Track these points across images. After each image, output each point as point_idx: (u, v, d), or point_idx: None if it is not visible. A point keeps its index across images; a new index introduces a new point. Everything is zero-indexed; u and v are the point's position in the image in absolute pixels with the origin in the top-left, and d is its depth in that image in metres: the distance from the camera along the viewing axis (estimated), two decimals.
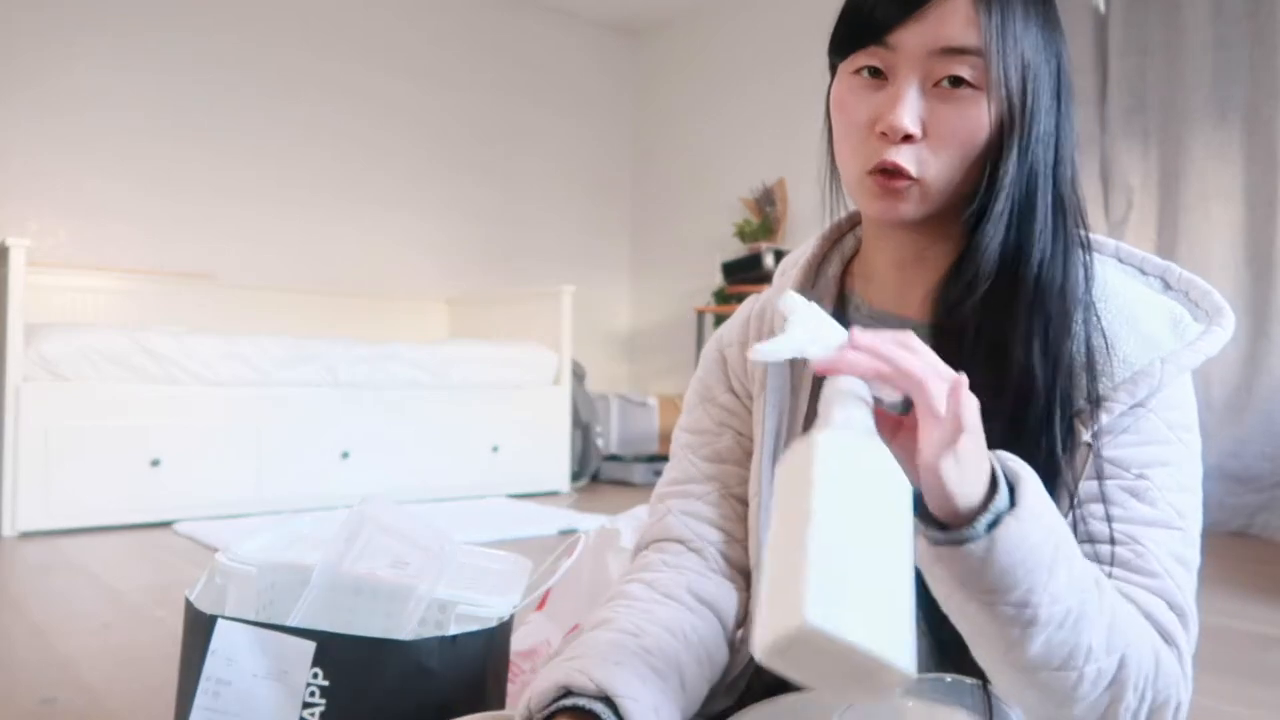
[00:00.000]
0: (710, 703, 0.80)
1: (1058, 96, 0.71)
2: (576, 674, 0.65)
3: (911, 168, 0.70)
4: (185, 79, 4.42)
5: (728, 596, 0.81)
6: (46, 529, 3.17)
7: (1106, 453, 0.70)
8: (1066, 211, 0.72)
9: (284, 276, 4.71)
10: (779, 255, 4.63)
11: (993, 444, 0.66)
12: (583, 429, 4.65)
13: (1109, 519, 0.68)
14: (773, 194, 4.99)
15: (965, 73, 0.68)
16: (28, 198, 4.07)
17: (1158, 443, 0.71)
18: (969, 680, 0.58)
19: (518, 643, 1.20)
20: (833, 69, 0.77)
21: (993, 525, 0.56)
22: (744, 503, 0.85)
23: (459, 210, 5.30)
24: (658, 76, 5.92)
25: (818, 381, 0.80)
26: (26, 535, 3.12)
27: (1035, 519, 0.56)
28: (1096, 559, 0.67)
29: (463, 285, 5.28)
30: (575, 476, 4.58)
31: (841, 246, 0.87)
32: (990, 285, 0.71)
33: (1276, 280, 3.40)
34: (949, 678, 0.61)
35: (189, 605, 0.86)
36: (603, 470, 4.78)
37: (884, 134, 0.69)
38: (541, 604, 1.33)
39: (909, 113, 0.68)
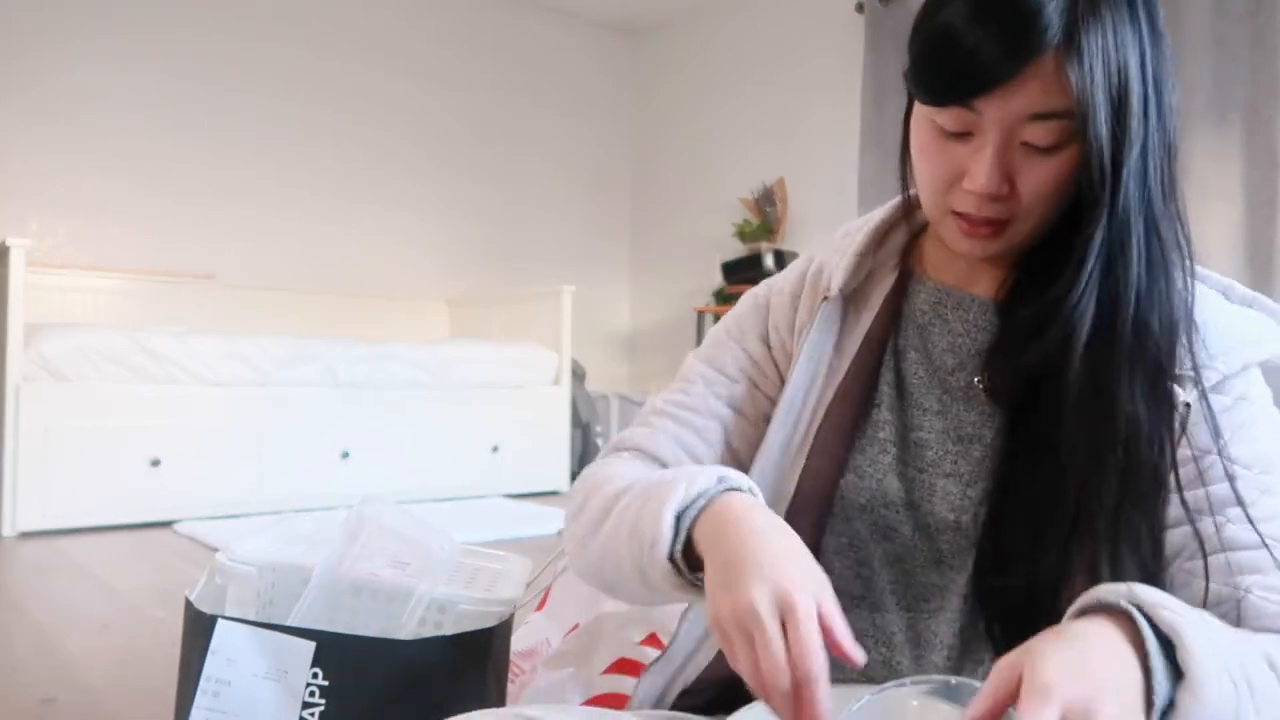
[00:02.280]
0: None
1: (1146, 110, 0.65)
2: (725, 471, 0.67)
3: (1001, 217, 0.69)
4: (185, 79, 4.42)
5: None
6: (46, 529, 3.17)
7: (1228, 450, 0.68)
8: (1161, 234, 0.67)
9: (284, 276, 4.71)
10: (779, 255, 4.63)
11: (1107, 506, 0.65)
12: (583, 429, 4.65)
13: (1250, 520, 0.66)
14: (773, 194, 4.99)
15: (1053, 137, 0.65)
16: (28, 198, 4.07)
17: (1270, 437, 0.70)
18: (975, 683, 0.58)
19: (518, 643, 1.20)
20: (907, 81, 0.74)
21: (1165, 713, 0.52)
22: (738, 459, 0.83)
23: (459, 210, 5.30)
24: (658, 76, 5.92)
25: (864, 346, 0.79)
26: (26, 535, 3.12)
27: (1209, 680, 0.52)
28: (1249, 568, 0.65)
29: (463, 285, 5.28)
30: (575, 476, 4.57)
31: (912, 220, 0.83)
32: (1086, 343, 0.67)
33: (1277, 280, 3.40)
34: (954, 680, 0.61)
35: (189, 605, 0.86)
36: None
37: (970, 191, 0.68)
38: (541, 604, 1.33)
39: (995, 175, 0.66)
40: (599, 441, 4.74)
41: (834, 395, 0.79)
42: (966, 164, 0.68)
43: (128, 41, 4.28)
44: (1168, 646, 0.53)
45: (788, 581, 0.57)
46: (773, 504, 0.76)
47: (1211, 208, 3.53)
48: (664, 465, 0.81)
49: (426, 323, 5.15)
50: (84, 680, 1.71)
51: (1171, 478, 0.67)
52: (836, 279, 0.81)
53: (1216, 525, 0.66)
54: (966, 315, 0.78)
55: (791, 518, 0.76)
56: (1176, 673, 0.53)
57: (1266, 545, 0.64)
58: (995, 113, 0.65)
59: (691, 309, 5.24)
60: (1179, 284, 0.69)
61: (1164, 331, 0.67)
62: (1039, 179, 0.67)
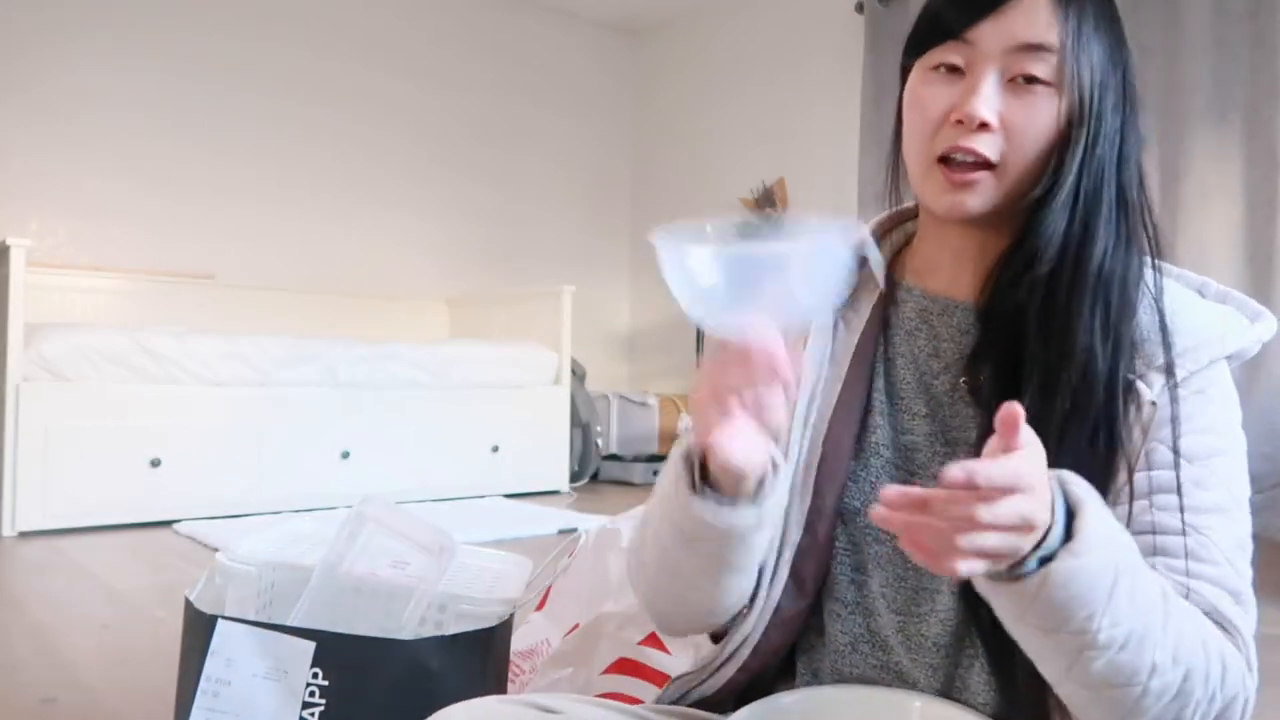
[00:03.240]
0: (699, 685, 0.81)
1: (1123, 103, 0.73)
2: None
3: (986, 151, 0.71)
4: (185, 79, 4.42)
5: None
6: (46, 529, 3.17)
7: (1173, 441, 0.71)
8: (1130, 210, 0.74)
9: (284, 276, 4.71)
10: None
11: (1055, 421, 0.68)
12: (582, 429, 4.65)
13: (1181, 510, 0.69)
14: (773, 194, 4.99)
15: (1041, 70, 0.70)
16: (28, 198, 4.07)
17: (1218, 433, 0.73)
18: None
19: (518, 643, 1.20)
20: (904, 73, 0.79)
21: (1047, 559, 0.56)
22: None
23: (459, 210, 5.30)
24: (658, 76, 5.92)
25: (859, 351, 0.82)
26: (26, 535, 3.12)
27: (1092, 551, 0.57)
28: (1164, 551, 0.69)
29: (463, 285, 5.28)
30: (575, 476, 4.58)
31: (893, 236, 0.87)
32: (1052, 269, 0.72)
33: (1277, 280, 3.40)
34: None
35: (189, 605, 0.86)
36: (602, 470, 4.78)
37: (960, 121, 0.71)
38: (541, 604, 1.33)
39: (987, 102, 0.70)
40: (599, 441, 4.74)
41: (834, 406, 0.81)
42: (958, 100, 0.72)
43: (128, 41, 4.28)
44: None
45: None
46: (798, 516, 0.79)
47: (1211, 208, 3.53)
48: None
49: (426, 323, 5.14)
50: (84, 680, 1.71)
51: (1120, 428, 0.70)
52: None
53: (1149, 506, 0.70)
54: (951, 321, 0.80)
55: (810, 528, 0.79)
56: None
57: (1184, 534, 0.68)
58: (988, 42, 0.71)
59: None
60: (1138, 268, 0.73)
61: (1124, 289, 0.72)
62: (1024, 115, 0.71)
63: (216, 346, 3.58)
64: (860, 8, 4.50)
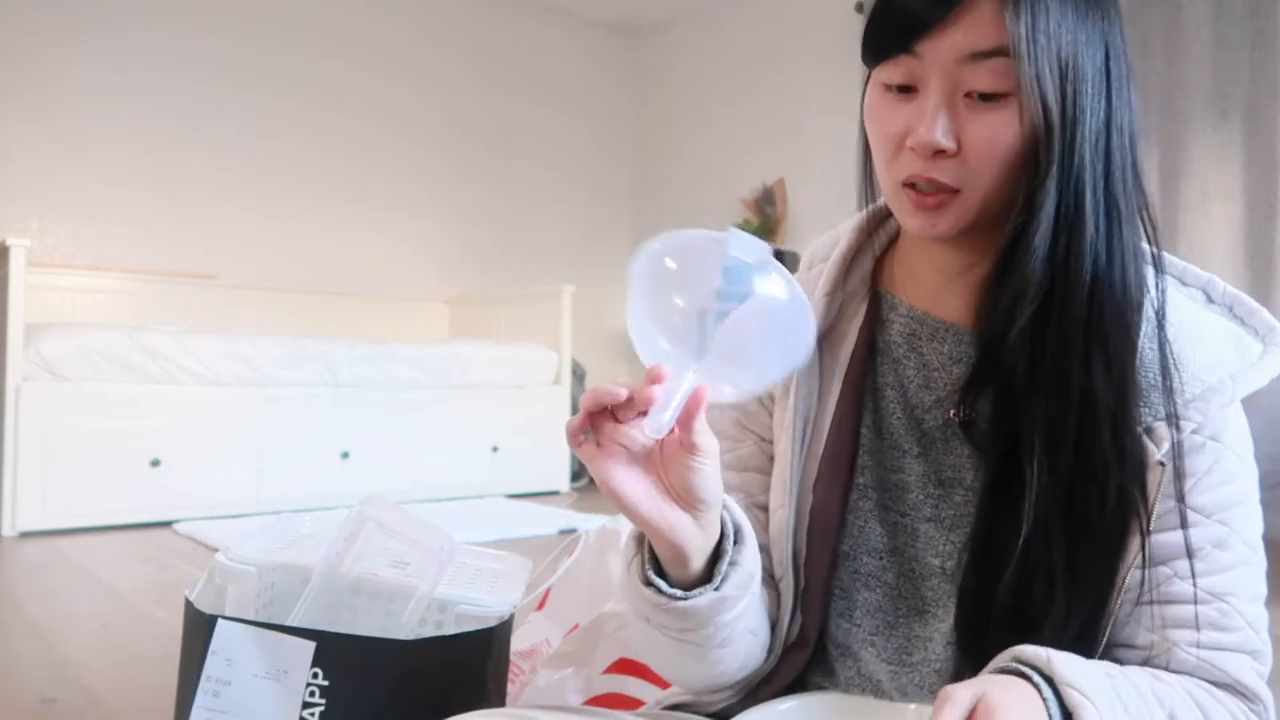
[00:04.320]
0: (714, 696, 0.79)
1: (1107, 89, 0.65)
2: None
3: (949, 181, 0.66)
4: (185, 79, 4.42)
5: (768, 599, 0.79)
6: (46, 529, 3.17)
7: (1189, 498, 0.66)
8: (1121, 215, 0.66)
9: (284, 276, 4.71)
10: (779, 255, 4.62)
11: (1060, 479, 0.64)
12: None
13: (1193, 574, 0.66)
14: (773, 194, 4.99)
15: (994, 82, 0.63)
16: (28, 198, 4.07)
17: (1235, 480, 0.68)
18: None
19: (518, 643, 1.20)
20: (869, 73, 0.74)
21: None
22: (766, 510, 0.80)
23: (459, 210, 5.30)
24: (658, 76, 5.92)
25: (847, 383, 0.77)
26: (26, 535, 3.12)
27: None
28: (1177, 623, 0.66)
29: (463, 285, 5.28)
30: (575, 476, 4.58)
31: (876, 239, 0.81)
32: (1039, 306, 0.65)
33: (1277, 280, 3.40)
34: None
35: (189, 605, 0.86)
36: None
37: (914, 148, 0.66)
38: (541, 604, 1.33)
39: (939, 127, 0.64)
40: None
41: (824, 451, 0.77)
42: (912, 121, 0.67)
43: (128, 41, 4.28)
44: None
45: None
46: (796, 571, 0.77)
47: (1211, 208, 3.53)
48: None
49: (426, 323, 5.15)
50: (84, 680, 1.71)
51: (1131, 486, 0.65)
52: None
53: (1164, 576, 0.66)
54: (941, 348, 0.75)
55: (809, 580, 0.76)
56: None
57: (1197, 603, 0.66)
58: (936, 54, 0.65)
59: None
60: (1136, 281, 0.67)
61: (1122, 312, 0.65)
62: (984, 134, 0.64)
63: (216, 346, 3.58)
64: (860, 8, 4.50)
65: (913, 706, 0.73)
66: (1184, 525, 0.66)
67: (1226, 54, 3.47)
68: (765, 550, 0.78)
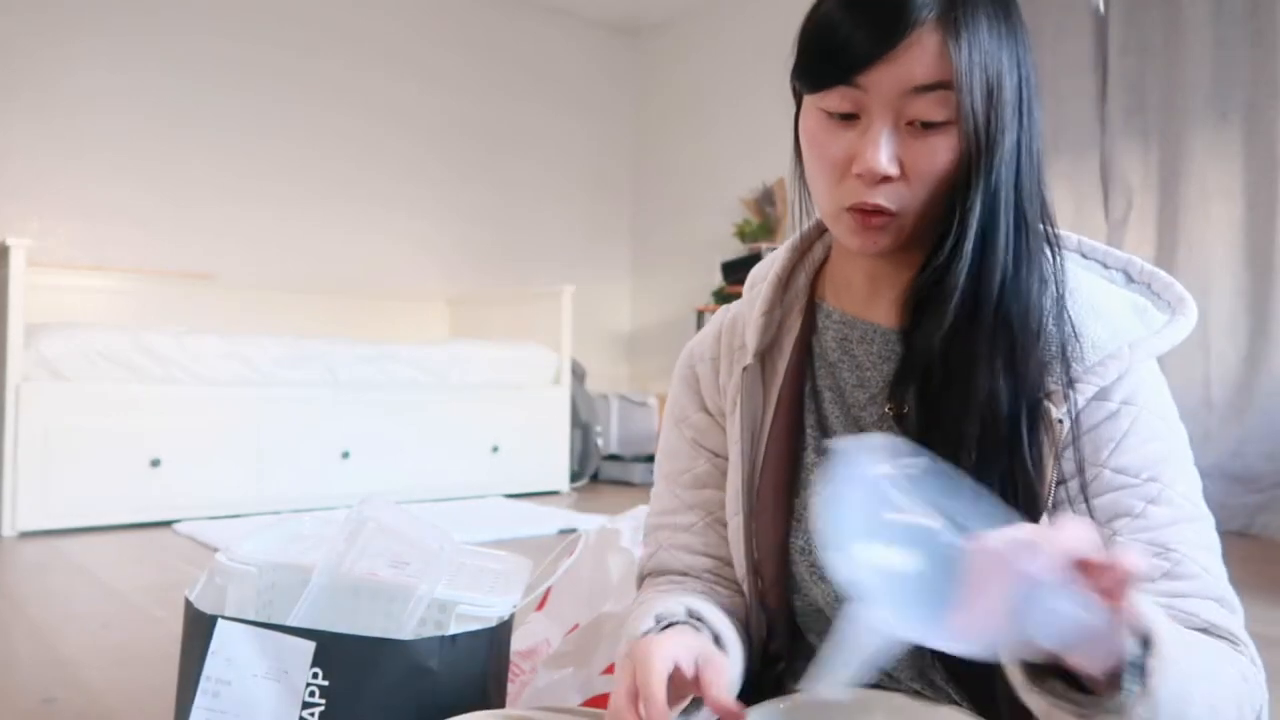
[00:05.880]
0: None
1: (1020, 107, 0.69)
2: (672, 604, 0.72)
3: (891, 205, 0.69)
4: (185, 79, 4.42)
5: (737, 607, 0.83)
6: (46, 529, 3.17)
7: (1113, 461, 0.69)
8: (1029, 226, 0.70)
9: (284, 276, 4.71)
10: None
11: (986, 460, 0.67)
12: (582, 429, 4.65)
13: (1138, 531, 0.68)
14: (773, 194, 4.99)
15: (937, 112, 0.66)
16: (28, 198, 4.07)
17: (1157, 438, 0.70)
18: None
19: (518, 643, 1.20)
20: (797, 93, 0.74)
21: (1138, 667, 0.53)
22: (725, 525, 0.85)
23: (459, 210, 5.30)
24: (658, 76, 5.92)
25: (785, 395, 0.80)
26: (26, 535, 3.12)
27: (1176, 646, 0.55)
28: None
29: (463, 285, 5.28)
30: (575, 476, 4.58)
31: (810, 256, 0.86)
32: (954, 317, 0.70)
33: (1276, 280, 3.40)
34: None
35: (189, 605, 0.86)
36: (602, 470, 4.78)
37: (860, 175, 0.68)
38: (541, 604, 1.33)
39: (885, 155, 0.67)
40: (599, 441, 4.74)
41: (767, 455, 0.79)
42: (856, 148, 0.69)
43: (128, 41, 4.28)
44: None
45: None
46: (754, 574, 0.79)
47: (1211, 208, 3.53)
48: (682, 576, 0.85)
49: (426, 323, 5.15)
50: (84, 680, 1.71)
51: (1030, 469, 0.68)
52: (750, 341, 0.82)
53: (1106, 538, 0.67)
54: (871, 349, 0.79)
55: (763, 593, 0.79)
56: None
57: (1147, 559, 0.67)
58: (880, 87, 0.66)
59: (692, 309, 5.24)
60: (1039, 286, 0.71)
61: (1024, 317, 0.69)
62: (927, 159, 0.67)
63: (216, 346, 3.58)
64: None
65: (914, 702, 0.73)
66: (1115, 488, 0.69)
67: (1226, 54, 3.47)
68: (726, 561, 0.84)
